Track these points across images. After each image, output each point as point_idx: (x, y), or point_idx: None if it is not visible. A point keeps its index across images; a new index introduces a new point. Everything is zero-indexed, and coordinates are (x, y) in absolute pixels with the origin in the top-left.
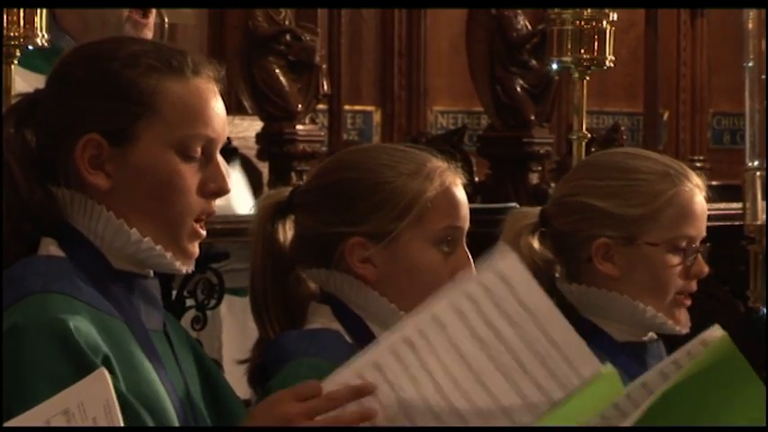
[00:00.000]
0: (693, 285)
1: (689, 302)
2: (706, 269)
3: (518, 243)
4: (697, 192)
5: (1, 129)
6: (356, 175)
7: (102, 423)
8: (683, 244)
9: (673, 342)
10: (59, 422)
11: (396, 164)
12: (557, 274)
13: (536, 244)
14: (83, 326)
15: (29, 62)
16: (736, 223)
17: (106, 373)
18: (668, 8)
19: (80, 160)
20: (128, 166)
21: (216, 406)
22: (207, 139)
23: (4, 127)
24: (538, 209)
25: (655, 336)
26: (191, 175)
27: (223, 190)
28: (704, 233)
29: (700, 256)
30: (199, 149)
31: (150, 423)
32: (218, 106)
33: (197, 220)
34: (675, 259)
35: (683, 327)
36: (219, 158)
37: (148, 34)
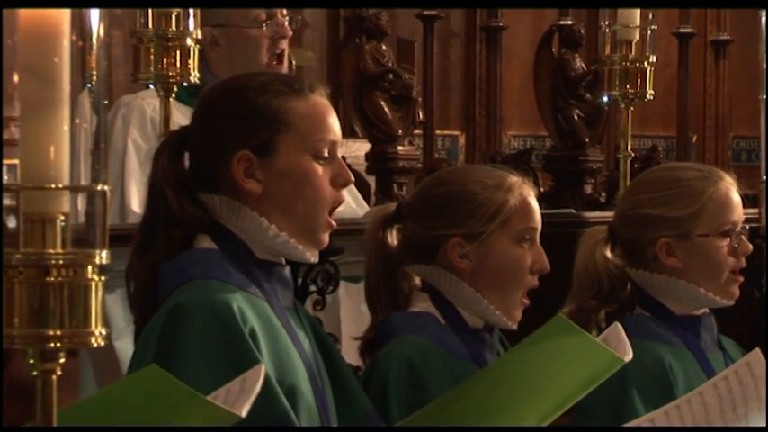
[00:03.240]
0: (743, 262)
1: (741, 279)
2: (750, 247)
3: (593, 255)
4: (730, 186)
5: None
6: (454, 189)
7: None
8: (728, 228)
9: None
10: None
11: (484, 179)
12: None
13: (608, 253)
14: (236, 305)
15: (182, 97)
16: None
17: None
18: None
19: (236, 173)
20: (273, 172)
21: (332, 371)
22: (331, 141)
23: (159, 159)
24: (605, 227)
25: (707, 310)
26: (323, 172)
27: (348, 181)
28: (743, 218)
29: (743, 237)
30: (326, 151)
31: (281, 395)
32: (334, 115)
33: (330, 212)
34: (724, 242)
35: (731, 300)
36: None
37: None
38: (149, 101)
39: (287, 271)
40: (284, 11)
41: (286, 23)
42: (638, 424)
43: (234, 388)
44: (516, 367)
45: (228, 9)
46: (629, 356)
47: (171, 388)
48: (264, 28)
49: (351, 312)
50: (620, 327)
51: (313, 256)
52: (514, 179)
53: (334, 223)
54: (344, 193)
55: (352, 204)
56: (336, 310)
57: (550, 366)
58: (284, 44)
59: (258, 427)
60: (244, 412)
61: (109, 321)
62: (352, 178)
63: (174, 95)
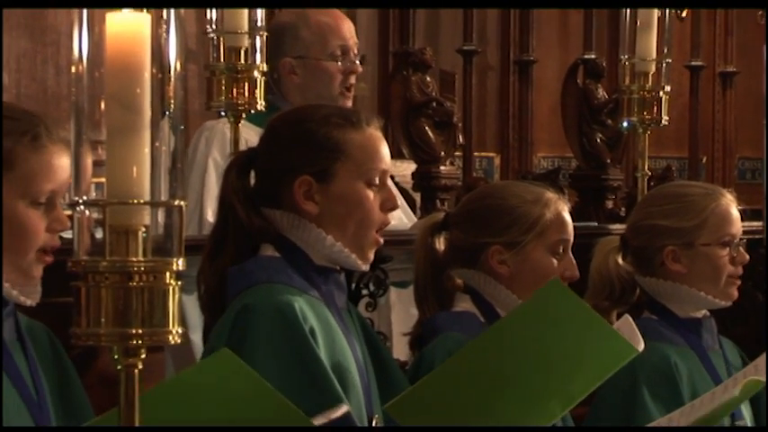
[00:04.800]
0: (740, 270)
1: (739, 282)
2: (747, 257)
3: (607, 261)
4: (730, 203)
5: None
6: (496, 202)
7: None
8: (727, 239)
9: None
10: None
11: (523, 194)
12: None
13: (620, 260)
14: (298, 306)
15: (254, 119)
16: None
17: None
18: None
19: (297, 195)
20: (330, 196)
21: (379, 366)
22: (382, 170)
23: (228, 176)
24: (617, 236)
25: (708, 313)
26: (374, 197)
27: (395, 206)
28: (741, 231)
29: (741, 248)
30: (378, 179)
31: (338, 384)
32: (386, 147)
33: (378, 230)
34: (724, 252)
35: (729, 302)
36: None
37: (349, 103)
38: (230, 125)
39: (342, 276)
40: (356, 50)
41: (357, 61)
42: (659, 424)
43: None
44: (522, 336)
45: (308, 42)
46: (641, 346)
47: (240, 373)
48: (339, 64)
49: (401, 315)
50: (631, 319)
51: (364, 265)
52: (551, 195)
53: (381, 240)
54: (398, 210)
55: (404, 219)
56: (388, 313)
57: (564, 347)
58: (353, 79)
59: (263, 427)
60: (316, 422)
61: (186, 318)
62: (399, 204)
63: (247, 119)
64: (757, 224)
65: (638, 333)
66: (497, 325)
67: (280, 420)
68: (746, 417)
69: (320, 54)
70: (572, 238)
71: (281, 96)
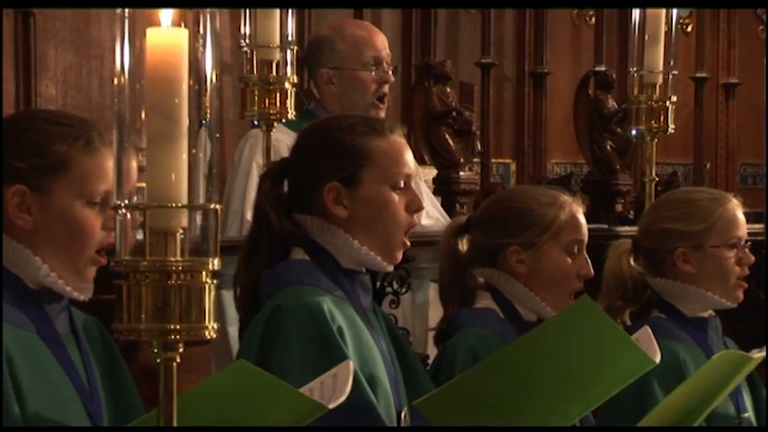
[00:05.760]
0: (746, 270)
1: (746, 285)
2: (753, 258)
3: (620, 263)
4: (737, 207)
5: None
6: (514, 204)
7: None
8: (734, 241)
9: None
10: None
11: (539, 197)
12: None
13: (632, 261)
14: (326, 307)
15: (294, 126)
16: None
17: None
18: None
19: (327, 200)
20: (358, 200)
21: (403, 361)
22: (406, 174)
23: (263, 184)
24: (629, 239)
25: (713, 313)
26: (399, 200)
27: (420, 207)
28: (746, 234)
29: (747, 250)
30: (402, 182)
31: (366, 385)
32: (409, 152)
33: (406, 233)
34: (731, 253)
35: (735, 303)
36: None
37: (382, 114)
38: (272, 132)
39: (367, 278)
40: (388, 61)
41: (390, 72)
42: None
43: (327, 382)
44: (550, 347)
45: (344, 54)
46: (658, 357)
47: (258, 380)
48: (373, 74)
49: (438, 311)
50: (650, 330)
51: (390, 266)
52: (566, 197)
53: (408, 243)
54: (434, 210)
55: (442, 220)
56: (426, 308)
57: (588, 357)
58: (386, 88)
59: (274, 428)
60: (332, 406)
61: (225, 311)
62: (423, 206)
63: (287, 126)
64: (759, 227)
65: (656, 344)
66: (529, 334)
67: (301, 413)
68: (749, 409)
69: (355, 64)
70: (586, 239)
71: (320, 105)
